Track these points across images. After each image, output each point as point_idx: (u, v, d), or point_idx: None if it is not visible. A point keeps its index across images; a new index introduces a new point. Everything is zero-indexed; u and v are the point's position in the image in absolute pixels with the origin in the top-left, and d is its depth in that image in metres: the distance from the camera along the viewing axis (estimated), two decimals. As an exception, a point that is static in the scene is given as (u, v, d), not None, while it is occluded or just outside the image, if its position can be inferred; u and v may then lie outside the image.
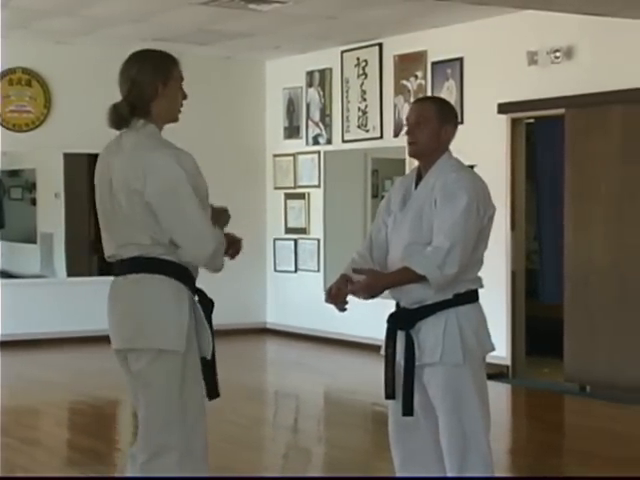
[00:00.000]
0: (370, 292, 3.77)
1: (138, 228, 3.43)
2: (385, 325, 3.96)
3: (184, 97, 3.55)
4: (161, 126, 3.52)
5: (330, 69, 10.76)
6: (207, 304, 3.52)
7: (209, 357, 3.50)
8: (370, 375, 9.20)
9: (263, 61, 11.58)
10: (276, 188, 11.59)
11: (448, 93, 9.35)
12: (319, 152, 11.00)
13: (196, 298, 3.52)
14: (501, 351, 8.58)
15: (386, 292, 3.88)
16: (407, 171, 9.90)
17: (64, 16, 9.12)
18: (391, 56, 10.01)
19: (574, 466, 5.98)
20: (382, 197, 11.20)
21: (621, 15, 7.25)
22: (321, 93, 10.93)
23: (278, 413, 8.06)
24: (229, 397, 7.68)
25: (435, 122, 3.85)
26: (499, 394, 8.13)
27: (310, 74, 11.05)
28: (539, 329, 9.04)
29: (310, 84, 11.08)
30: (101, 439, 6.67)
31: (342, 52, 10.53)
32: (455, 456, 3.79)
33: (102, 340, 11.64)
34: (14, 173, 11.23)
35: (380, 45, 10.12)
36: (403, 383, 3.81)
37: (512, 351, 8.81)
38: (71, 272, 10.90)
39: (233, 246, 3.57)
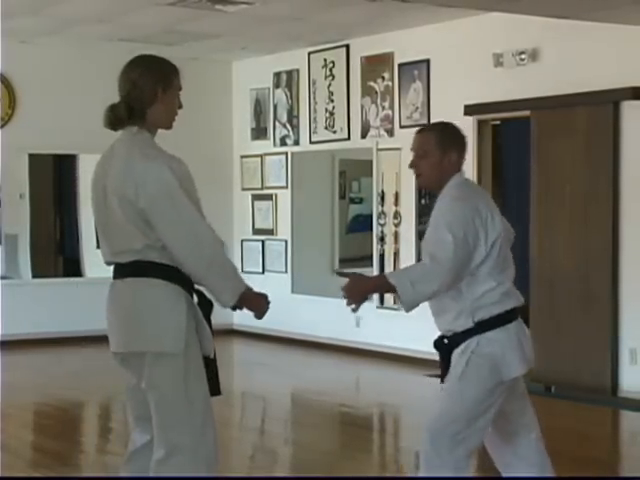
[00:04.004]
0: (350, 296, 3.83)
1: (131, 235, 3.46)
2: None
3: (180, 106, 3.64)
4: (154, 132, 3.60)
5: (297, 70, 10.77)
6: (206, 305, 3.56)
7: (212, 356, 3.56)
8: (336, 376, 9.22)
9: (230, 62, 11.56)
10: (243, 189, 11.58)
11: (415, 95, 9.39)
12: (286, 153, 11.00)
13: (196, 299, 3.56)
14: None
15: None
16: (374, 173, 9.95)
17: (29, 15, 9.05)
18: (358, 57, 10.04)
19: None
20: (350, 198, 11.32)
21: (585, 18, 7.31)
22: (288, 94, 10.93)
23: (245, 414, 8.04)
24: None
25: (436, 153, 3.94)
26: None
27: (277, 75, 11.04)
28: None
29: (277, 85, 11.07)
30: (66, 441, 6.63)
31: (309, 53, 10.53)
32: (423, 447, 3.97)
33: (66, 341, 11.53)
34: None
35: (347, 46, 10.14)
36: None
37: (478, 352, 8.85)
38: (36, 273, 10.82)
39: (259, 303, 3.62)
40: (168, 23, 9.25)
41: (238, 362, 10.71)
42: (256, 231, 11.37)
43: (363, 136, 10.01)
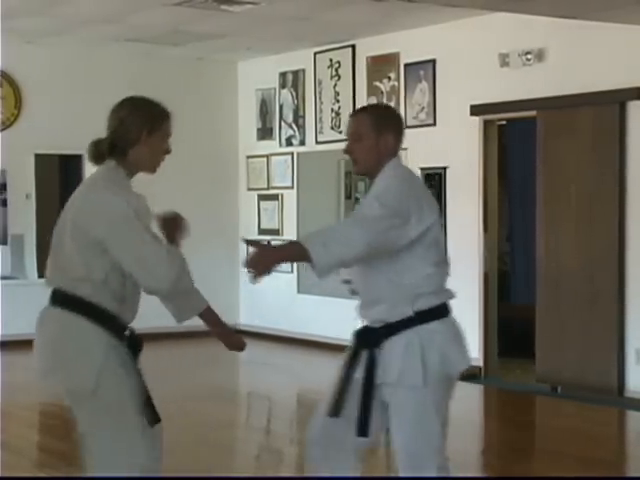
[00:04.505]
0: (252, 267, 3.48)
1: (71, 263, 3.48)
2: (354, 325, 3.89)
3: (167, 152, 3.61)
4: (134, 172, 3.58)
5: (303, 70, 10.77)
6: (135, 345, 3.54)
7: (143, 397, 3.50)
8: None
9: (236, 62, 11.56)
10: (249, 189, 11.58)
11: (421, 95, 9.39)
12: (292, 153, 11.00)
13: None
14: (473, 352, 8.54)
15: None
16: (380, 172, 9.94)
17: (35, 16, 9.06)
18: (364, 57, 10.03)
19: (545, 466, 6.01)
20: (355, 198, 11.31)
21: (592, 18, 7.30)
22: (294, 94, 10.93)
23: (250, 414, 8.04)
24: (201, 399, 7.69)
25: (371, 135, 3.68)
26: (471, 395, 8.16)
27: (283, 75, 11.05)
28: (511, 330, 9.08)
29: (283, 85, 11.08)
30: (71, 441, 6.62)
31: (315, 53, 10.53)
32: (407, 474, 3.69)
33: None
34: (-16, 174, 11.15)
35: (353, 46, 10.14)
36: (361, 403, 3.72)
37: (484, 352, 8.85)
38: (42, 274, 10.77)
39: (175, 226, 3.54)
40: (174, 23, 9.26)
41: (244, 362, 10.69)
42: (262, 231, 11.37)
43: (369, 136, 9.99)
